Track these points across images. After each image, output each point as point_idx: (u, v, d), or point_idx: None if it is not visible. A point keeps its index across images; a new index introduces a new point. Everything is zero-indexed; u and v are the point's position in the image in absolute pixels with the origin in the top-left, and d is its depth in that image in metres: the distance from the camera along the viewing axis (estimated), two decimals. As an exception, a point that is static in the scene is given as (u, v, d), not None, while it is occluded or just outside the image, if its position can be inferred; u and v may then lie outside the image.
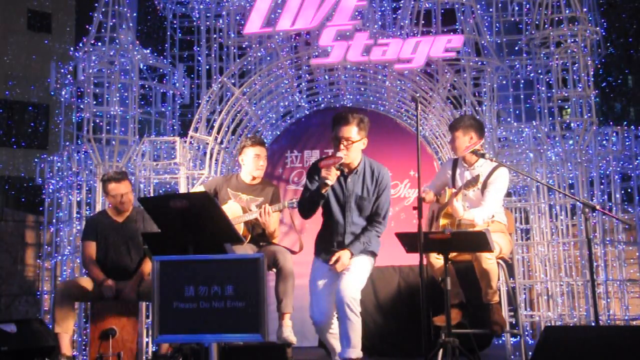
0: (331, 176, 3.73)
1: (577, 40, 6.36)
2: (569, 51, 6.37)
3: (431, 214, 4.54)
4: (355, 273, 3.83)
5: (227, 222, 3.50)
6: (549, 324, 5.94)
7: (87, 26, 6.73)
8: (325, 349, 5.35)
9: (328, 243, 3.96)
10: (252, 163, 4.76)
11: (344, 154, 3.79)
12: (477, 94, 7.02)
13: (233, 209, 4.63)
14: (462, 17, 7.09)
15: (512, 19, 7.86)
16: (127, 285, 4.53)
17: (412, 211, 6.22)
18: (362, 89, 6.92)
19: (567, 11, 6.49)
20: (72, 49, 9.92)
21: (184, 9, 8.28)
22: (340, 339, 3.75)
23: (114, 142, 6.19)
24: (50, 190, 6.65)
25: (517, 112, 7.58)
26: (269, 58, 7.31)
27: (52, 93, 7.08)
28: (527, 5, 7.62)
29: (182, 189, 6.01)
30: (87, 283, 4.62)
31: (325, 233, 4.01)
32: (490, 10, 7.78)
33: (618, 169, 6.55)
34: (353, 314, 3.69)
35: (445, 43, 5.94)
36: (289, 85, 6.71)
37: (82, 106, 6.45)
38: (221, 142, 6.39)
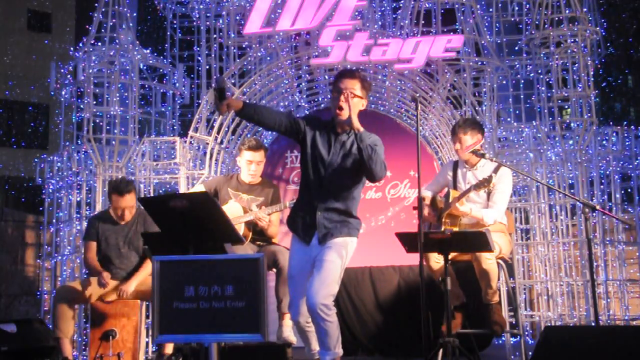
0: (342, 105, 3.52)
1: (577, 40, 6.35)
2: (569, 51, 6.36)
3: (433, 211, 4.53)
4: (328, 272, 3.47)
5: (227, 222, 3.50)
6: (549, 324, 5.94)
7: (87, 26, 6.72)
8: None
9: (308, 211, 3.59)
10: (244, 167, 4.80)
11: (345, 105, 3.53)
12: (477, 94, 7.02)
13: (234, 209, 4.64)
14: (462, 17, 7.09)
15: (512, 19, 7.86)
16: (127, 282, 4.53)
17: (412, 211, 6.22)
18: (362, 89, 6.91)
19: (567, 11, 6.49)
20: (72, 49, 9.92)
21: (184, 9, 8.28)
22: (318, 341, 3.57)
23: (114, 142, 6.18)
24: (50, 190, 6.65)
25: (517, 112, 7.58)
26: (269, 58, 7.31)
27: (52, 93, 7.08)
28: (527, 5, 7.61)
29: (182, 189, 6.01)
30: (86, 285, 4.61)
31: (303, 200, 3.66)
32: (490, 10, 7.78)
33: (618, 169, 6.54)
34: (325, 321, 3.43)
35: (445, 43, 5.95)
36: (289, 85, 6.70)
37: (82, 106, 6.45)
38: (221, 142, 6.39)
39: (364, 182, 3.67)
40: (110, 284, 4.59)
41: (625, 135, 6.50)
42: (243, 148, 4.80)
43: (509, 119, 7.48)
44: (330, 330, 3.48)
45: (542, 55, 6.80)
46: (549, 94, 6.52)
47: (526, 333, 6.15)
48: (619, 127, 6.55)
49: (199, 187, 5.03)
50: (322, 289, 3.44)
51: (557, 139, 6.28)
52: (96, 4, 6.56)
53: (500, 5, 7.80)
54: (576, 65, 6.32)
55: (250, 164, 4.77)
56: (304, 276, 3.59)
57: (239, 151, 4.85)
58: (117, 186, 4.64)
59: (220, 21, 7.98)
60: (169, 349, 4.52)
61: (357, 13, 6.27)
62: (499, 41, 7.70)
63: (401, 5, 7.54)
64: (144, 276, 4.60)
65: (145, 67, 6.78)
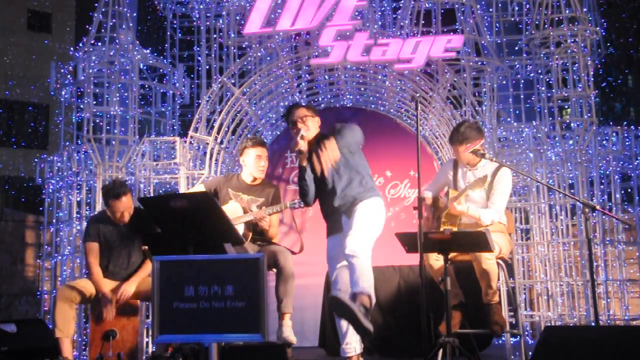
0: (300, 146, 3.94)
1: (577, 40, 6.35)
2: (569, 51, 6.37)
3: (432, 214, 4.52)
4: (357, 222, 3.83)
5: (227, 222, 3.50)
6: (549, 324, 5.94)
7: (87, 26, 6.73)
8: (325, 348, 5.36)
9: (332, 214, 4.02)
10: (253, 164, 4.75)
11: (304, 128, 4.00)
12: (477, 94, 7.02)
13: (234, 209, 4.63)
14: (462, 17, 7.09)
15: (512, 19, 7.86)
16: (127, 282, 4.53)
17: (412, 211, 6.23)
18: (362, 89, 6.93)
19: (567, 11, 6.49)
20: (72, 49, 9.93)
21: (184, 9, 8.28)
22: (350, 281, 3.75)
23: (114, 142, 6.19)
24: (50, 190, 6.65)
25: (517, 112, 7.58)
26: (269, 58, 7.31)
27: (52, 93, 7.08)
28: (527, 5, 7.62)
29: (182, 189, 6.01)
30: (86, 285, 4.61)
31: (325, 211, 4.09)
32: (490, 10, 7.78)
33: (618, 169, 6.55)
34: (356, 259, 3.67)
35: (445, 43, 5.94)
36: (289, 85, 6.70)
37: (82, 106, 6.45)
38: (221, 142, 6.39)
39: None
40: (111, 290, 4.58)
41: (625, 135, 6.50)
42: (249, 145, 4.75)
43: (509, 119, 7.48)
44: (361, 269, 3.65)
45: (542, 55, 6.80)
46: (549, 94, 6.52)
47: (526, 333, 6.16)
48: (619, 127, 6.56)
49: (199, 187, 5.02)
50: (353, 234, 3.74)
51: (557, 139, 6.29)
52: (96, 4, 6.56)
53: (500, 5, 7.80)
54: (576, 65, 6.32)
55: (259, 160, 4.74)
56: (339, 261, 3.91)
57: (244, 149, 4.77)
58: (112, 190, 4.57)
59: (220, 21, 7.99)
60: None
61: (357, 13, 6.27)
62: (499, 41, 7.70)
63: (401, 5, 7.54)
64: (144, 276, 4.60)
65: (145, 67, 6.78)
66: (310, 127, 4.05)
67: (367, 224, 3.83)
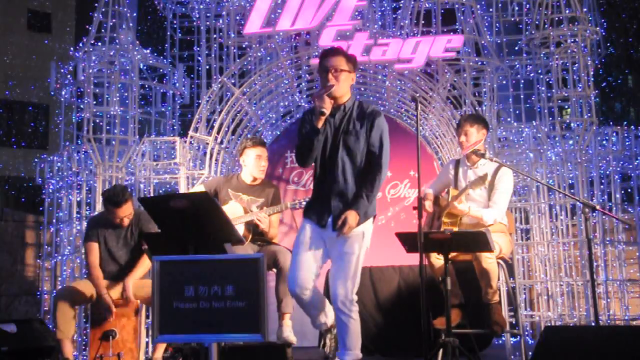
0: (325, 104, 3.43)
1: (577, 40, 6.35)
2: (569, 51, 6.36)
3: (432, 214, 4.53)
4: (350, 264, 3.50)
5: (227, 222, 3.50)
6: (549, 324, 5.94)
7: (87, 26, 6.73)
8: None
9: (323, 199, 3.58)
10: (253, 164, 4.75)
11: (335, 84, 3.50)
12: (477, 94, 7.02)
13: (234, 210, 4.63)
14: (462, 17, 7.09)
15: (512, 19, 7.87)
16: (125, 284, 4.54)
17: (412, 211, 6.22)
18: (362, 89, 6.92)
19: (567, 11, 6.49)
20: (72, 49, 9.93)
21: (184, 9, 8.29)
22: (338, 339, 3.62)
23: (114, 142, 6.18)
24: (50, 190, 6.65)
25: (517, 112, 7.58)
26: (269, 58, 7.32)
27: (52, 93, 7.08)
28: (527, 5, 7.62)
29: (182, 189, 6.01)
30: (86, 286, 4.61)
31: (317, 190, 3.65)
32: (490, 10, 7.79)
33: (618, 169, 6.54)
34: (347, 317, 3.50)
35: (445, 43, 5.95)
36: (289, 85, 6.71)
37: (82, 106, 6.45)
38: (221, 142, 6.39)
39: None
40: (111, 291, 4.58)
41: (625, 135, 6.50)
42: (249, 145, 4.74)
43: (509, 119, 7.48)
44: (352, 328, 3.52)
45: (542, 55, 6.80)
46: (549, 94, 6.52)
47: (526, 333, 6.15)
48: (619, 127, 6.56)
49: (199, 188, 5.02)
50: (346, 283, 3.50)
51: (557, 139, 6.29)
52: (96, 4, 6.56)
53: (500, 5, 7.80)
54: (576, 65, 6.32)
55: (260, 160, 4.74)
56: (308, 251, 3.57)
57: (243, 149, 4.77)
58: (113, 197, 4.55)
59: (220, 21, 7.99)
60: (158, 352, 4.51)
61: (357, 13, 6.27)
62: (499, 41, 7.70)
63: (401, 5, 7.54)
64: (141, 274, 4.59)
65: (145, 67, 6.78)
66: (341, 83, 3.52)
67: (359, 264, 3.54)
